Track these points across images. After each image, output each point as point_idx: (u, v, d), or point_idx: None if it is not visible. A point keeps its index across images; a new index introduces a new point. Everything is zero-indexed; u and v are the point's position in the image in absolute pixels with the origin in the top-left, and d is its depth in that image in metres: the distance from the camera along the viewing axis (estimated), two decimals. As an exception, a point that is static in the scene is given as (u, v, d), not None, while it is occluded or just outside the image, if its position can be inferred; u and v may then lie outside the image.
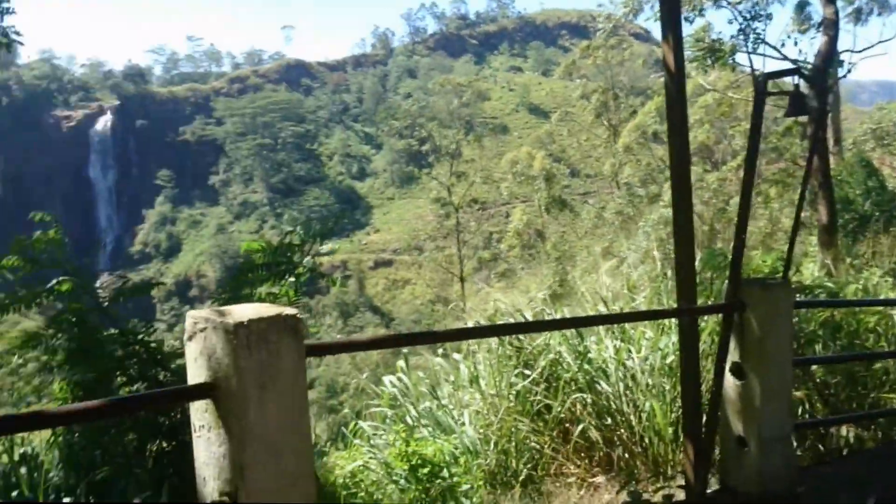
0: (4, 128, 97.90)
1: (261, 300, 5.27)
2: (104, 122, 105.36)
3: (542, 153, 44.54)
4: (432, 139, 45.76)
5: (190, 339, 1.99)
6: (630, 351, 4.72)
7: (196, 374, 1.97)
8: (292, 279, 5.26)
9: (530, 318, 5.43)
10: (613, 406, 4.54)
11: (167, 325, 60.19)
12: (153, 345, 4.56)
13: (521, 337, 5.04)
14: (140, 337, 4.63)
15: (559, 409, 4.58)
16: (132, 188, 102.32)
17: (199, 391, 1.93)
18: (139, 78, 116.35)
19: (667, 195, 16.21)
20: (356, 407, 8.04)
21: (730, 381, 3.62)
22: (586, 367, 4.70)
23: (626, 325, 5.00)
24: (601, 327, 5.08)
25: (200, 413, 1.96)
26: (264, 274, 5.32)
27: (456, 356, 5.54)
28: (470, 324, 6.64)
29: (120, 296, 5.32)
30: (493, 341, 5.06)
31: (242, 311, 1.95)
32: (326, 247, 5.34)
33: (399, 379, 5.67)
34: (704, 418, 3.67)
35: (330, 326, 74.03)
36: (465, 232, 42.78)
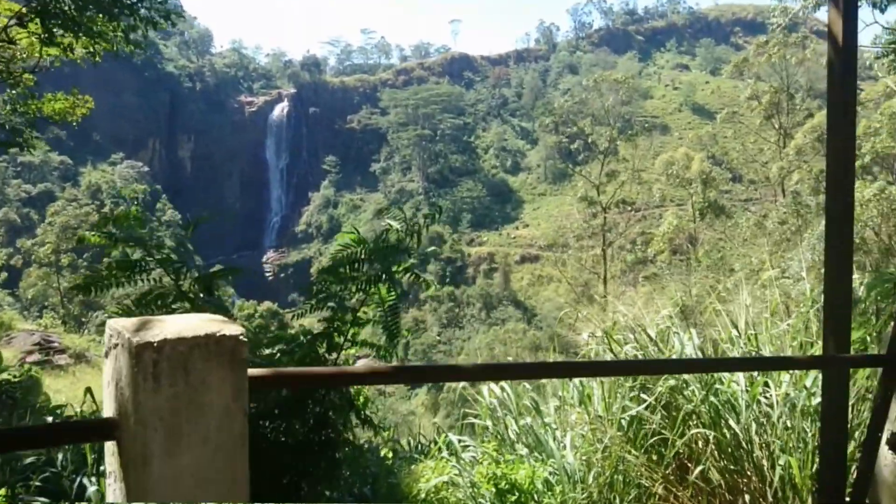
0: (197, 111, 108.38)
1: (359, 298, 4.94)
2: (281, 109, 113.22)
3: (701, 155, 41.64)
4: (584, 136, 44.21)
5: (106, 355, 1.56)
6: (768, 385, 3.98)
7: (107, 405, 1.53)
8: (387, 279, 4.88)
9: (653, 335, 4.74)
10: (742, 448, 3.84)
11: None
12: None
13: (639, 356, 4.49)
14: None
15: (678, 443, 3.96)
16: (301, 171, 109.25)
17: (100, 429, 1.49)
18: (315, 68, 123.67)
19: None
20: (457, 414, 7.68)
21: (886, 457, 2.78)
22: (712, 399, 4.03)
23: (766, 355, 4.25)
24: (735, 353, 4.36)
25: (109, 456, 1.52)
26: (359, 273, 4.95)
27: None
28: (584, 335, 6.02)
29: (208, 280, 5.19)
30: (610, 356, 4.54)
31: (167, 326, 1.49)
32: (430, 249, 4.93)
33: (502, 389, 5.25)
34: (848, 497, 2.90)
35: (472, 317, 74.61)
36: (613, 232, 40.98)
